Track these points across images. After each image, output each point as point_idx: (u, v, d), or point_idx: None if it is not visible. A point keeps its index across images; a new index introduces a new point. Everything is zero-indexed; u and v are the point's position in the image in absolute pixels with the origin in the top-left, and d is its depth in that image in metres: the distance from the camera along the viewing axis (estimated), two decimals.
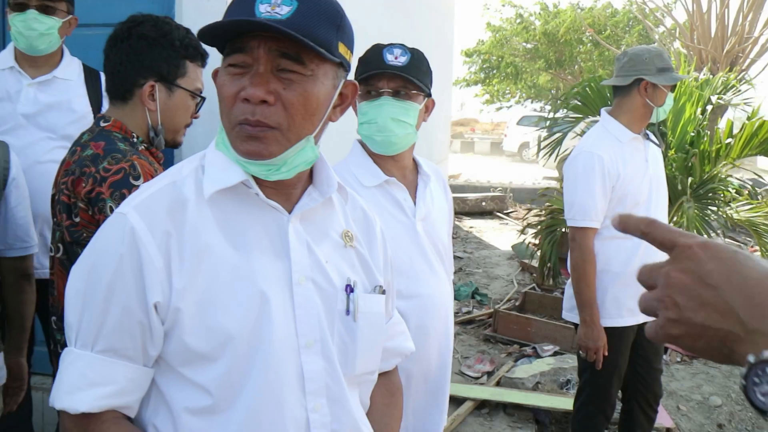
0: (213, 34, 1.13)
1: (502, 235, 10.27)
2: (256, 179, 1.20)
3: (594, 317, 2.94)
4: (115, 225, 1.16)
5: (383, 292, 1.35)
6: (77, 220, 1.80)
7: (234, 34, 1.13)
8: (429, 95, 2.11)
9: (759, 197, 6.12)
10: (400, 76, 2.03)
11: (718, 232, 5.26)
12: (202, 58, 2.01)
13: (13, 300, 2.23)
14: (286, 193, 1.24)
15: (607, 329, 2.97)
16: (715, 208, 5.22)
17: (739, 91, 6.14)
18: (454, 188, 12.78)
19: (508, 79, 25.29)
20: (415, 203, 2.13)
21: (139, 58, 1.90)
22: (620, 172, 2.95)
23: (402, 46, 2.06)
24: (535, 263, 6.65)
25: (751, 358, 0.65)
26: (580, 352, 3.01)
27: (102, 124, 1.92)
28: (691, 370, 5.10)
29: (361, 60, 2.10)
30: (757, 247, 5.33)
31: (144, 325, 1.14)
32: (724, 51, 12.22)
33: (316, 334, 1.22)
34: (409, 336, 1.51)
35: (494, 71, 25.43)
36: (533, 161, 19.40)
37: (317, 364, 1.21)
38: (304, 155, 1.18)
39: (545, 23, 22.49)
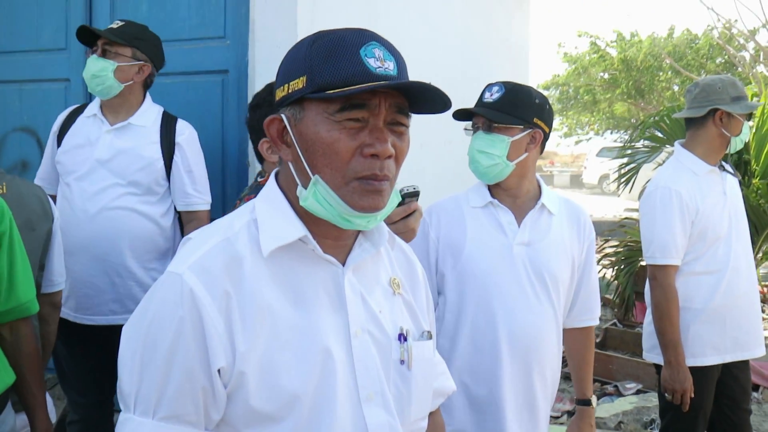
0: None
1: None
2: (312, 233, 1.18)
3: (679, 358, 2.85)
4: (172, 286, 1.11)
5: (431, 337, 1.34)
6: None
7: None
8: (532, 127, 2.16)
9: None
10: (487, 111, 2.16)
11: None
12: None
13: (45, 329, 2.41)
14: (342, 245, 1.23)
15: (691, 369, 2.86)
16: None
17: None
18: None
19: (585, 109, 24.94)
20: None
21: (252, 127, 2.44)
22: (699, 207, 2.87)
23: (502, 84, 2.19)
24: (610, 296, 6.47)
25: None
26: (666, 394, 2.91)
27: (258, 179, 2.20)
28: None
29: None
30: None
31: (207, 390, 1.10)
32: None
33: (376, 386, 1.20)
34: (449, 375, 1.50)
35: (572, 102, 25.15)
36: (614, 193, 18.97)
37: (380, 416, 1.20)
38: (393, 201, 1.19)
39: (622, 51, 22.14)
